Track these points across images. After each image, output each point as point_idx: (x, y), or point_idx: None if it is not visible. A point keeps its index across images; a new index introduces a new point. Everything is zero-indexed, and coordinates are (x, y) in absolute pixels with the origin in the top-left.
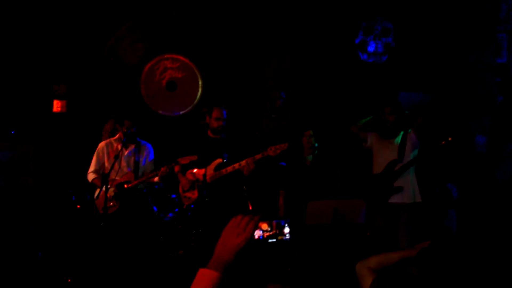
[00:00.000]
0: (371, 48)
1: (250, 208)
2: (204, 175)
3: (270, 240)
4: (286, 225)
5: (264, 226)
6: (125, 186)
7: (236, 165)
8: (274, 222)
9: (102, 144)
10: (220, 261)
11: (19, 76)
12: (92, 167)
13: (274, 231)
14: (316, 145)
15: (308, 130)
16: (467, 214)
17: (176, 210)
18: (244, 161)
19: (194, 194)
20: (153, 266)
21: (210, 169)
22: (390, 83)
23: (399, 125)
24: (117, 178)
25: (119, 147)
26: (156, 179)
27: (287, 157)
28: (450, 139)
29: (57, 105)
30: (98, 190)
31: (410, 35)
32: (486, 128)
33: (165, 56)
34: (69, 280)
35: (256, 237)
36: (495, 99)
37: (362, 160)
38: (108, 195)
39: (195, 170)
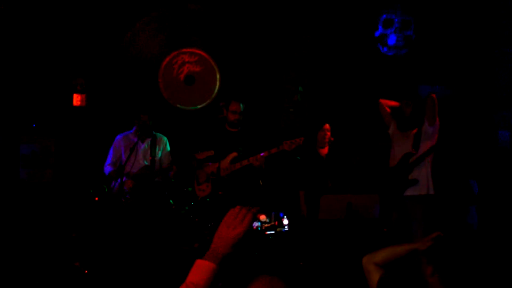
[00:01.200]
0: (391, 41)
1: (265, 202)
2: (218, 169)
3: (268, 232)
4: (285, 217)
5: (263, 217)
6: (142, 179)
7: (251, 159)
8: (272, 214)
9: (118, 137)
10: (217, 253)
11: (40, 70)
12: (108, 160)
13: (272, 223)
14: (333, 139)
15: (326, 123)
16: (488, 211)
17: (192, 203)
18: (253, 157)
19: (208, 187)
20: (168, 259)
21: (225, 162)
22: (410, 76)
23: (417, 118)
24: (133, 170)
25: (135, 140)
26: (171, 174)
27: (303, 151)
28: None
29: (77, 99)
30: (114, 183)
31: (431, 28)
32: (508, 122)
33: (183, 50)
34: (86, 271)
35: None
36: None
37: (380, 153)
38: (125, 188)
39: (210, 164)
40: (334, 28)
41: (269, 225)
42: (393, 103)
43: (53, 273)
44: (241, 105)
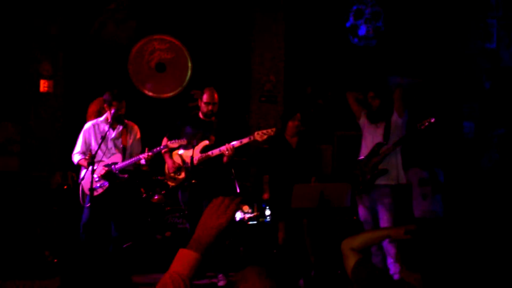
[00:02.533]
0: (361, 32)
1: (238, 190)
2: (192, 157)
3: (250, 222)
4: (267, 207)
5: (245, 208)
6: (113, 167)
7: (222, 149)
8: (255, 205)
9: (88, 125)
10: (200, 242)
11: (4, 56)
12: (78, 148)
13: (255, 213)
14: (303, 128)
15: (298, 112)
16: (453, 198)
17: (163, 191)
18: (224, 146)
19: (180, 176)
20: (140, 247)
21: (197, 151)
22: (380, 67)
23: (385, 110)
24: (104, 159)
25: (106, 128)
26: (143, 161)
27: (273, 140)
28: (432, 120)
29: (44, 85)
30: (84, 171)
31: (400, 20)
32: (474, 113)
33: (154, 36)
34: (55, 260)
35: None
36: (484, 85)
37: (353, 143)
38: (96, 176)
39: (181, 152)
40: (306, 18)
41: (251, 215)
42: (361, 96)
43: (23, 262)
44: (216, 95)
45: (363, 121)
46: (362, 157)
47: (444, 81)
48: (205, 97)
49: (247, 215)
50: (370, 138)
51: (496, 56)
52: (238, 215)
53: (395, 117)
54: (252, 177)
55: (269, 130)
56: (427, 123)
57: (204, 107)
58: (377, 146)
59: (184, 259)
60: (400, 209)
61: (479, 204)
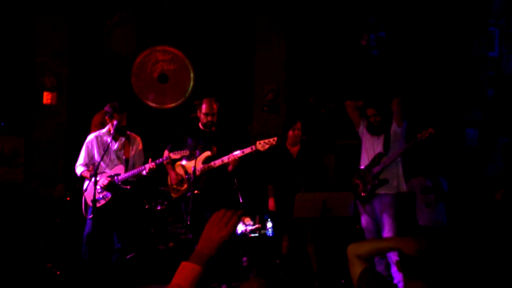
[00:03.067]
0: (363, 42)
1: (241, 201)
2: (194, 168)
3: (252, 235)
4: (269, 219)
5: (247, 220)
6: (115, 178)
7: (225, 159)
8: (257, 217)
9: (91, 137)
10: (202, 255)
11: (8, 68)
12: (81, 160)
13: (257, 226)
14: (304, 137)
15: (298, 122)
16: (457, 208)
17: (166, 202)
18: (227, 157)
19: (183, 187)
20: (143, 258)
21: (199, 162)
22: (383, 76)
23: (386, 123)
24: (106, 171)
25: (109, 139)
26: (145, 173)
27: (274, 149)
28: (431, 130)
29: (47, 97)
30: (87, 183)
31: (402, 28)
32: (476, 121)
33: (157, 48)
34: (58, 273)
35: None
36: (486, 92)
37: (352, 152)
38: (99, 187)
39: (184, 163)
40: (308, 29)
41: (253, 228)
42: (360, 103)
43: (25, 274)
44: (214, 105)
45: (362, 130)
46: (362, 167)
47: (447, 89)
48: (204, 108)
49: (249, 228)
50: (371, 147)
51: (498, 64)
52: (240, 228)
53: (394, 127)
54: (255, 187)
55: (271, 140)
56: (427, 134)
57: (203, 118)
58: (378, 156)
59: (186, 272)
60: (403, 217)
61: (484, 212)
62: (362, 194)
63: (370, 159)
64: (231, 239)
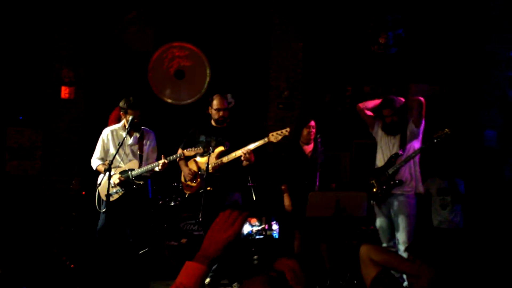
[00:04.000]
0: (381, 40)
1: (254, 198)
2: (207, 165)
3: (258, 237)
4: (275, 221)
5: (253, 221)
6: (129, 173)
7: (238, 152)
8: (263, 218)
9: (106, 131)
10: (207, 255)
11: (27, 62)
12: (96, 154)
13: (263, 227)
14: (319, 136)
15: (311, 120)
16: (474, 210)
17: (179, 198)
18: (240, 150)
19: (196, 183)
20: (155, 253)
21: (213, 158)
22: (400, 74)
23: (401, 123)
24: (121, 165)
25: (124, 134)
26: (158, 169)
27: (288, 147)
28: (447, 131)
29: (65, 92)
30: (101, 176)
31: (420, 27)
32: (495, 122)
33: (174, 44)
34: (72, 266)
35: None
36: (506, 93)
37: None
38: (112, 182)
39: (197, 159)
40: (325, 26)
41: (259, 229)
42: (372, 103)
43: (40, 267)
44: (226, 101)
45: (376, 130)
46: (378, 167)
47: (466, 89)
48: (215, 104)
49: (255, 229)
50: (386, 147)
51: None
52: (246, 229)
53: (411, 127)
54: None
55: (284, 131)
56: (443, 135)
57: (215, 114)
58: (394, 157)
59: (190, 272)
60: (418, 218)
61: (501, 215)
62: (378, 195)
63: (386, 159)
64: (237, 240)
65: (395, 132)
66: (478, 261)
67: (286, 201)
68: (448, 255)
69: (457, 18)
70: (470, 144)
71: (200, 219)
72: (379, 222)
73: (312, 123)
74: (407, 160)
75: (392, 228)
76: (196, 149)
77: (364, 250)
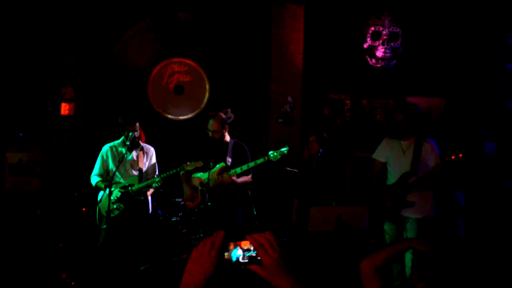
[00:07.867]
0: (379, 53)
1: (255, 213)
2: (208, 180)
3: (245, 261)
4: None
5: (245, 244)
6: (129, 189)
7: (238, 170)
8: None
9: (106, 147)
10: None
11: (27, 79)
12: (96, 170)
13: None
14: (321, 150)
15: (312, 136)
16: (475, 222)
17: (180, 213)
18: (226, 173)
19: (197, 198)
20: (156, 269)
21: (214, 173)
22: (399, 88)
23: (409, 126)
24: (121, 181)
25: (123, 150)
26: (157, 184)
27: (300, 162)
28: (460, 156)
29: (65, 108)
30: (101, 193)
31: (418, 40)
32: (495, 134)
33: (173, 59)
34: (73, 283)
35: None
36: (505, 105)
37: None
38: (113, 198)
39: (199, 174)
40: (323, 40)
41: (253, 254)
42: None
43: (40, 284)
44: (219, 124)
45: (384, 155)
46: (389, 184)
47: (464, 102)
48: (209, 124)
49: (247, 254)
50: (398, 165)
51: None
52: (236, 254)
53: (428, 150)
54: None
55: (283, 150)
56: (456, 159)
57: (210, 133)
58: (405, 176)
59: None
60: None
61: (503, 225)
62: (388, 213)
63: (397, 177)
64: (220, 269)
65: (400, 136)
66: (478, 272)
67: (294, 216)
68: (448, 266)
69: (456, 32)
70: (471, 155)
71: (201, 235)
72: (389, 230)
73: (313, 138)
74: (419, 182)
75: (399, 235)
76: (195, 163)
77: (363, 265)
